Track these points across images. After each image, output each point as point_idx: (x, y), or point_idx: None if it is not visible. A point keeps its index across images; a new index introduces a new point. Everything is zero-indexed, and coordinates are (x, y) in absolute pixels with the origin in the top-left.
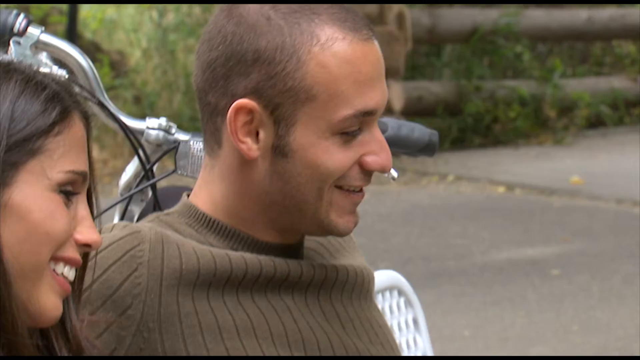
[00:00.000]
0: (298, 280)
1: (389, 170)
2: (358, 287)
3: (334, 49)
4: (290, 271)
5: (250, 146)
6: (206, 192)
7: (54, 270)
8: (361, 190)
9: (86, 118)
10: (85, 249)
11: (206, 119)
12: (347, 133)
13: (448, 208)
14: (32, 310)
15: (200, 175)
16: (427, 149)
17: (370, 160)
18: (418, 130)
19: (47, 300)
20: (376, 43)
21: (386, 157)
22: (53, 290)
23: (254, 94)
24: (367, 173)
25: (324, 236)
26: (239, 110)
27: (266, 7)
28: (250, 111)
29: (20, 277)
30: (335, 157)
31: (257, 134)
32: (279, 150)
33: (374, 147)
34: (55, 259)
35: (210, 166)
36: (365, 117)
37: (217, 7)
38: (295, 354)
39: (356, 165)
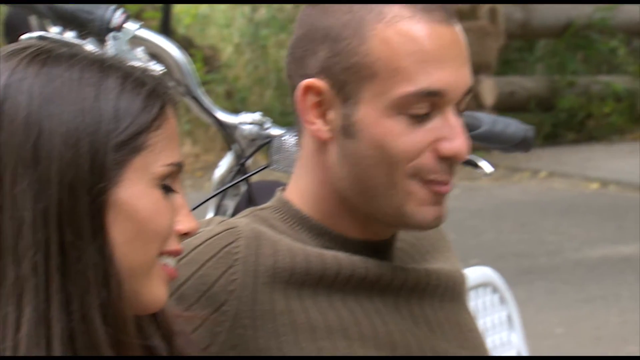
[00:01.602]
0: (390, 283)
1: (463, 158)
2: (449, 292)
3: (399, 26)
4: (382, 274)
5: (320, 127)
6: (296, 187)
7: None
8: (446, 182)
9: (175, 108)
10: (185, 237)
11: (294, 106)
12: (415, 115)
13: (540, 204)
14: (142, 303)
15: (294, 171)
16: (522, 145)
17: (443, 146)
18: (513, 126)
19: (157, 292)
20: (455, 29)
21: (460, 143)
22: (161, 281)
23: (322, 72)
24: (445, 163)
25: (403, 229)
26: (307, 89)
27: None
28: (319, 91)
29: (130, 275)
30: (401, 138)
31: (327, 114)
32: (346, 131)
33: (446, 133)
34: (161, 253)
35: (299, 158)
36: (431, 97)
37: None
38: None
39: (430, 152)
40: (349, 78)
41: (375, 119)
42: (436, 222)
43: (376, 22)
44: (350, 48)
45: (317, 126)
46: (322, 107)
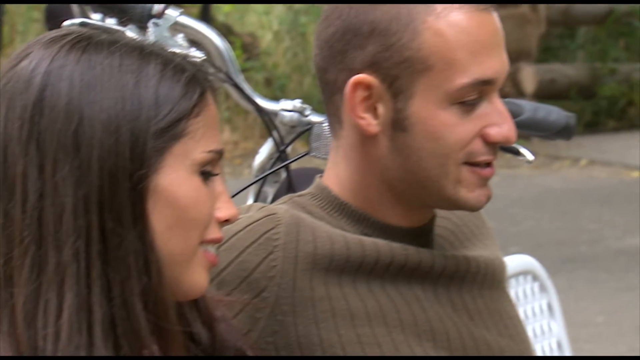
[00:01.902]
0: (429, 270)
1: (513, 141)
2: (489, 279)
3: (450, 18)
4: (421, 261)
5: (369, 122)
6: (334, 174)
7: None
8: (490, 164)
9: (215, 94)
10: (225, 224)
11: (327, 98)
12: (465, 103)
13: (581, 192)
14: (182, 289)
15: (329, 157)
16: (564, 132)
17: (493, 132)
18: (555, 113)
19: (198, 278)
20: (495, 14)
21: (509, 128)
22: (203, 268)
23: (371, 67)
24: (491, 146)
25: (454, 210)
26: (357, 85)
27: None
28: (368, 86)
29: (171, 262)
30: (455, 129)
31: (376, 109)
32: (398, 125)
33: (495, 118)
34: (202, 242)
35: (335, 147)
36: (483, 86)
37: None
38: (425, 344)
39: (478, 138)
40: (401, 72)
41: (430, 112)
42: (487, 202)
43: (426, 15)
44: (402, 42)
45: (367, 121)
46: (370, 101)
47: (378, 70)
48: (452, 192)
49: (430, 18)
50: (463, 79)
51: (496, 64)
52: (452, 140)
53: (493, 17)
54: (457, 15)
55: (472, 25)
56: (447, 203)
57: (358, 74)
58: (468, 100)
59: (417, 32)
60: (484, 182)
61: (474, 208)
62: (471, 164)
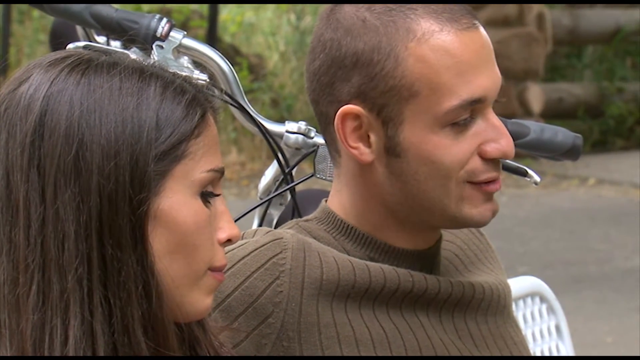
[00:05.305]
0: (435, 297)
1: (511, 156)
2: (493, 305)
3: (432, 41)
4: (427, 287)
5: (362, 151)
6: (337, 200)
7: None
8: (494, 180)
9: (216, 115)
10: (227, 244)
11: (323, 129)
12: (458, 123)
13: (589, 212)
14: (184, 312)
15: (333, 184)
16: (571, 153)
17: (490, 148)
18: (561, 134)
19: (202, 303)
20: (481, 30)
21: (506, 143)
22: (207, 292)
23: (357, 97)
24: (491, 162)
25: (459, 229)
26: (345, 116)
27: (362, 9)
28: (356, 116)
29: (172, 287)
30: (449, 150)
31: (368, 137)
32: (391, 151)
33: (491, 134)
34: (208, 269)
35: (337, 175)
36: (474, 105)
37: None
38: None
39: (476, 156)
40: (388, 101)
41: (421, 137)
42: (493, 217)
43: (408, 42)
44: (385, 72)
45: (360, 150)
46: (361, 131)
47: (365, 100)
48: (456, 210)
49: (412, 44)
50: (451, 102)
51: (485, 82)
52: (448, 162)
53: (478, 34)
54: (439, 37)
55: (455, 46)
56: (452, 222)
57: (346, 104)
58: (460, 120)
59: (400, 60)
60: (488, 197)
61: (479, 224)
62: (473, 182)
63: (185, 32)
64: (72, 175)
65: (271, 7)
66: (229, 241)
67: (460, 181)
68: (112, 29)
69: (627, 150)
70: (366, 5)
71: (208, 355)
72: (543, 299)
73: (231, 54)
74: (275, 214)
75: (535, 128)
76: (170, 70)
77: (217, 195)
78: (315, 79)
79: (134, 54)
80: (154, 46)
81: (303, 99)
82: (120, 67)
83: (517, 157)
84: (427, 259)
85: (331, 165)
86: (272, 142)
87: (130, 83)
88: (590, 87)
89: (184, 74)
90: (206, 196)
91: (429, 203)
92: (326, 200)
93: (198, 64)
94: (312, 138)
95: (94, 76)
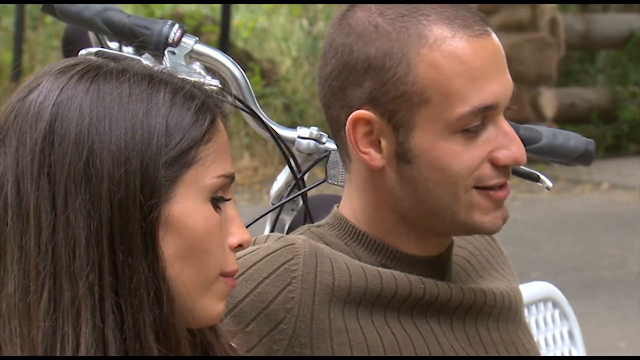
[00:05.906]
0: (446, 303)
1: (523, 162)
2: (505, 311)
3: (443, 48)
4: (439, 294)
5: (373, 156)
6: (349, 206)
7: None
8: (503, 186)
9: (226, 119)
10: (238, 249)
11: (334, 134)
12: (469, 130)
13: (602, 217)
14: (196, 318)
15: (344, 189)
16: (583, 158)
17: (501, 155)
18: (574, 139)
19: (214, 308)
20: (493, 36)
21: (517, 149)
22: (219, 297)
23: (369, 103)
24: (501, 169)
25: (470, 235)
26: (356, 121)
27: (374, 15)
28: (368, 121)
29: (185, 292)
30: (460, 157)
31: (379, 142)
32: (402, 157)
33: (502, 141)
34: (220, 275)
35: (348, 180)
36: (485, 112)
37: None
38: None
39: (487, 163)
40: (399, 107)
41: (432, 143)
42: (504, 224)
43: (419, 47)
44: (397, 77)
45: (370, 155)
46: (372, 136)
47: (376, 105)
48: (466, 217)
49: (424, 50)
50: (463, 108)
51: (497, 88)
52: (459, 168)
53: (490, 41)
54: (451, 43)
55: (467, 52)
56: (462, 229)
57: (357, 110)
58: (471, 127)
59: (411, 66)
60: (498, 204)
61: (489, 231)
62: (482, 187)
63: (197, 38)
64: (82, 182)
65: (284, 12)
66: (240, 246)
67: (468, 188)
68: (124, 35)
69: None
70: (378, 11)
71: None
72: (556, 305)
73: (244, 59)
74: (287, 219)
75: (547, 133)
76: (180, 76)
77: (228, 200)
78: (327, 83)
79: (146, 60)
80: (166, 52)
81: (315, 105)
82: (130, 74)
83: (530, 162)
84: (439, 266)
85: (343, 170)
86: (284, 148)
87: (139, 89)
88: (603, 92)
89: (193, 79)
90: (217, 201)
91: (439, 209)
92: (337, 206)
93: (210, 70)
94: (324, 144)
95: (104, 83)
